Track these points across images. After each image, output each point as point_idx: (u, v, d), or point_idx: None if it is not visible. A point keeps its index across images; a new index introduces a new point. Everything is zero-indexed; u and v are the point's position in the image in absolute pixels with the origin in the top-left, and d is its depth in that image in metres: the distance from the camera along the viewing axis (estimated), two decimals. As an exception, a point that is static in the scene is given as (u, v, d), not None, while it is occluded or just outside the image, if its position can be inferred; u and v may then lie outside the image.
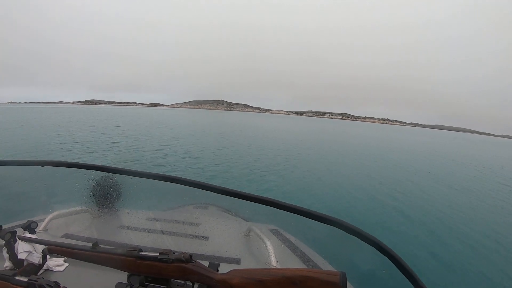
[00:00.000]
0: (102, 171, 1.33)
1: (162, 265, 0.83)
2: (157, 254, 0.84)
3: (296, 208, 1.05)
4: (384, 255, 0.91)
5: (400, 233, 5.69)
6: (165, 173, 1.21)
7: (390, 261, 0.90)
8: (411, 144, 32.23)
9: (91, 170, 1.34)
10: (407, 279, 0.87)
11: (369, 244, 0.93)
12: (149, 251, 0.85)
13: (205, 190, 1.16)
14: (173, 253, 0.84)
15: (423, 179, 11.84)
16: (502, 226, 6.72)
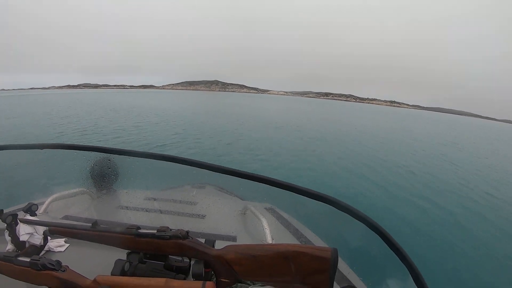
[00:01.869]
0: (101, 152, 1.41)
1: (160, 241, 0.91)
2: (155, 231, 0.92)
3: (290, 185, 1.13)
4: (373, 231, 1.00)
5: (392, 213, 6.08)
6: (162, 152, 1.29)
7: (379, 237, 0.99)
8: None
9: (90, 152, 1.43)
10: (395, 255, 0.96)
11: (359, 221, 1.02)
12: (147, 229, 0.94)
13: (201, 168, 1.24)
14: (170, 230, 0.92)
15: (418, 161, 12.28)
16: (493, 204, 7.24)
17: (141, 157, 1.32)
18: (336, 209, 1.05)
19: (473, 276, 4.16)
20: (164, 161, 1.28)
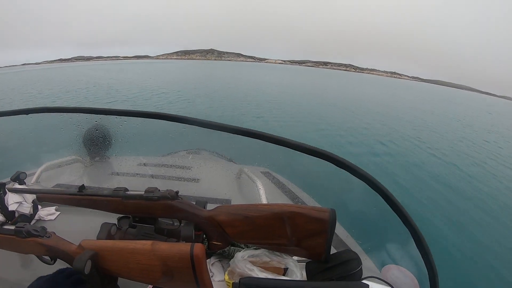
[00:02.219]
0: (89, 113, 1.36)
1: (148, 203, 0.89)
2: (142, 192, 0.90)
3: (286, 140, 1.08)
4: (375, 190, 0.95)
5: (393, 176, 6.14)
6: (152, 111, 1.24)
7: (381, 197, 0.94)
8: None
9: (77, 114, 1.38)
10: (398, 217, 0.92)
11: (359, 178, 0.97)
12: (134, 191, 0.93)
13: (194, 125, 1.19)
14: (159, 190, 0.90)
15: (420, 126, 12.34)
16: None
17: (131, 116, 1.28)
18: (334, 168, 1.01)
19: (481, 248, 4.14)
20: (156, 120, 1.23)
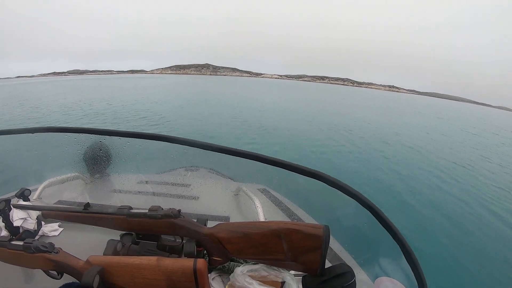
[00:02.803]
0: (93, 133, 1.44)
1: (152, 221, 0.94)
2: (146, 210, 0.95)
3: (281, 162, 1.17)
4: (364, 207, 1.03)
5: (385, 191, 6.39)
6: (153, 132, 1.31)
7: (370, 213, 1.02)
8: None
9: (81, 134, 1.46)
10: (387, 233, 0.99)
11: (350, 197, 1.05)
12: (138, 209, 0.99)
13: (193, 147, 1.28)
14: (162, 209, 0.95)
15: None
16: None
17: (132, 137, 1.36)
18: (328, 186, 1.09)
19: (465, 257, 4.37)
20: (156, 141, 1.32)
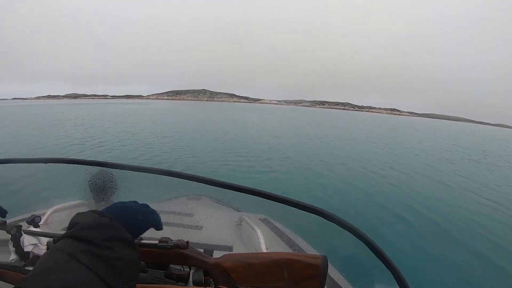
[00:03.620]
0: (102, 166, 1.56)
1: (162, 251, 1.01)
2: (156, 241, 1.02)
3: (281, 198, 1.28)
4: (358, 239, 1.14)
5: (377, 220, 6.49)
6: (160, 167, 1.43)
7: (365, 245, 1.13)
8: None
9: (91, 166, 1.57)
10: (380, 261, 1.10)
11: (346, 230, 1.16)
12: (148, 240, 1.07)
13: (198, 182, 1.38)
14: (172, 240, 1.02)
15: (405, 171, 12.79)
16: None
17: (139, 171, 1.45)
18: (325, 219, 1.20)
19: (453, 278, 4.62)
20: (164, 176, 1.43)
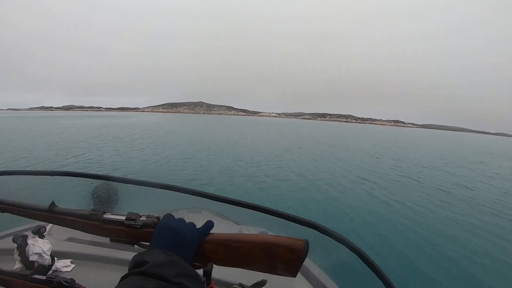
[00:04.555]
0: (105, 179, 1.66)
1: (130, 230, 0.91)
2: (123, 217, 0.91)
3: (277, 212, 1.38)
4: (351, 251, 1.24)
5: (370, 232, 6.76)
6: (162, 182, 1.52)
7: (358, 257, 1.23)
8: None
9: (95, 179, 1.67)
10: (372, 272, 1.20)
11: (339, 243, 1.26)
12: (114, 215, 0.91)
13: (198, 196, 1.48)
14: (140, 217, 0.92)
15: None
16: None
17: (141, 185, 1.54)
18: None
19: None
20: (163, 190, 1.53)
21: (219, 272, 1.15)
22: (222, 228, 2.16)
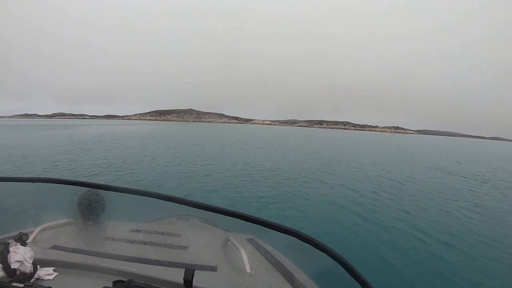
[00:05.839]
0: (90, 187, 1.71)
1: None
2: None
3: (261, 220, 1.47)
4: (333, 259, 1.32)
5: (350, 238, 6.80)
6: (148, 189, 1.59)
7: (339, 265, 1.31)
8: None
9: (80, 187, 1.72)
10: (352, 278, 1.28)
11: (319, 250, 1.35)
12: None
13: (185, 205, 1.55)
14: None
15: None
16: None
17: (127, 193, 1.60)
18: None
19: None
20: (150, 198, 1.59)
21: (200, 280, 1.23)
22: (209, 235, 2.24)
